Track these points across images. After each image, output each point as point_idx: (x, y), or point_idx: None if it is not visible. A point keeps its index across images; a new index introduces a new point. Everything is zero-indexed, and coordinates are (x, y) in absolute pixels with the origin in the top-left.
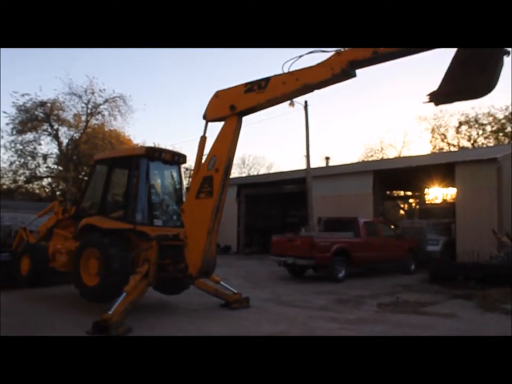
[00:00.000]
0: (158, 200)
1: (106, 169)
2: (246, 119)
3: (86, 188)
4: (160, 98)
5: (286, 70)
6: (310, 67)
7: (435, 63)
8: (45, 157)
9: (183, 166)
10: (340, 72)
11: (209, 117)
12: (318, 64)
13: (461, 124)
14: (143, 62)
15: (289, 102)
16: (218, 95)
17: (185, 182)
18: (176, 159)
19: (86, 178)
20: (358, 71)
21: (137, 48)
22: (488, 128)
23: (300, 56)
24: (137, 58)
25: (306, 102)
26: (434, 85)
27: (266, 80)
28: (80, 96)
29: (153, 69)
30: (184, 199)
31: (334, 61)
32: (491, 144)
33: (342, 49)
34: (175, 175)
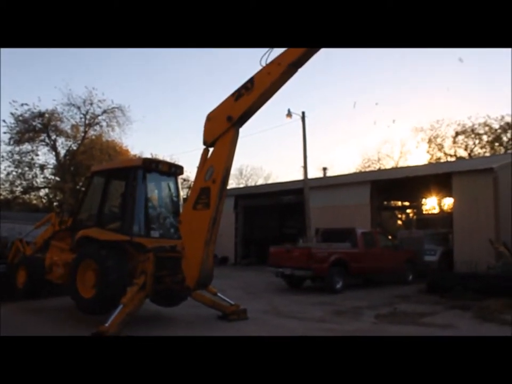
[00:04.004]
0: (155, 212)
1: (104, 181)
2: (243, 130)
3: (83, 200)
4: (158, 108)
5: (264, 64)
6: (287, 48)
7: (432, 74)
8: (42, 167)
9: (180, 176)
10: None
11: (209, 140)
12: None
13: (457, 133)
14: (142, 72)
15: (286, 113)
16: (211, 117)
17: (183, 193)
18: (173, 170)
19: (83, 189)
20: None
21: (137, 59)
22: (485, 138)
23: (273, 48)
24: (136, 68)
25: (303, 113)
26: (432, 96)
27: (250, 80)
28: (78, 107)
29: (153, 79)
30: (181, 210)
31: None
32: (487, 154)
33: None
34: (172, 186)
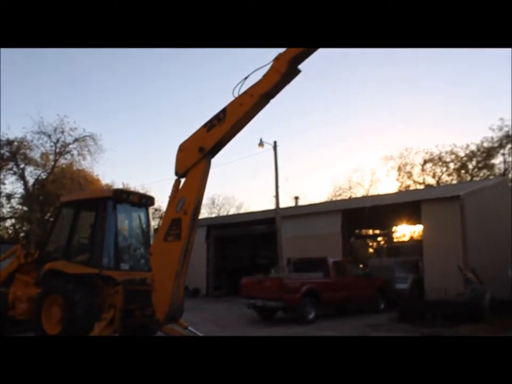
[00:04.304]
0: (125, 244)
1: (73, 212)
2: (215, 160)
3: (51, 231)
4: (130, 137)
5: (236, 95)
6: (259, 80)
7: (401, 105)
8: (9, 196)
9: (151, 207)
10: (286, 71)
11: (181, 170)
12: (265, 74)
13: (425, 161)
14: (114, 100)
15: (258, 142)
16: (183, 147)
17: (154, 223)
18: (144, 201)
19: (51, 220)
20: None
21: (110, 89)
22: (452, 165)
23: (245, 78)
24: (109, 97)
25: (275, 143)
26: (401, 125)
27: (223, 111)
28: (49, 135)
29: (125, 107)
30: (152, 242)
31: (278, 64)
32: (454, 181)
33: (280, 53)
34: (143, 217)
